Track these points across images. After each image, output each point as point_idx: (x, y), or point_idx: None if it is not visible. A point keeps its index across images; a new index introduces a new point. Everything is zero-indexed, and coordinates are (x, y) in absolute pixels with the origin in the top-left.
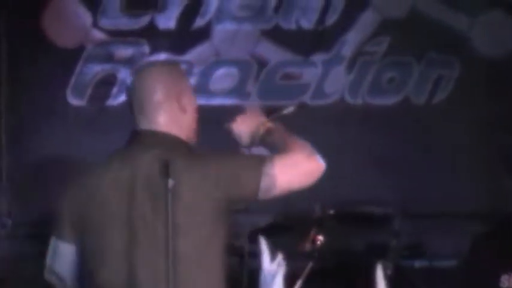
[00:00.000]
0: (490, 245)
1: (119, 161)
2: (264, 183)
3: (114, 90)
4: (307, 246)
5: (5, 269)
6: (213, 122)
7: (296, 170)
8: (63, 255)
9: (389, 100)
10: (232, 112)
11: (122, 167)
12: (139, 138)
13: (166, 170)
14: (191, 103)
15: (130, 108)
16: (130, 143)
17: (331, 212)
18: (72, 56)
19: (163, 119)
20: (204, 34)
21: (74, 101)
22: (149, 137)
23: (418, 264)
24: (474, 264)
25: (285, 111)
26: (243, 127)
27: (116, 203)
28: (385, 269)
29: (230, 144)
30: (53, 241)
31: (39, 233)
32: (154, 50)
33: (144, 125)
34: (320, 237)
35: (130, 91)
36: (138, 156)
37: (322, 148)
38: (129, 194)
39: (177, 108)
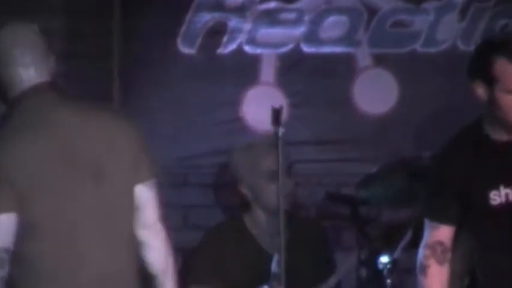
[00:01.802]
0: None
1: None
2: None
3: (225, 39)
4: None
5: None
6: (322, 70)
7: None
8: (6, 228)
9: None
10: (342, 60)
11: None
12: (34, 94)
13: (276, 118)
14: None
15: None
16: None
17: None
18: (182, 5)
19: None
20: None
21: (184, 49)
22: (42, 90)
23: None
24: None
25: None
26: None
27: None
28: None
29: (337, 92)
30: None
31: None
32: None
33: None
34: None
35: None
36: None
37: (432, 95)
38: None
39: (47, 63)
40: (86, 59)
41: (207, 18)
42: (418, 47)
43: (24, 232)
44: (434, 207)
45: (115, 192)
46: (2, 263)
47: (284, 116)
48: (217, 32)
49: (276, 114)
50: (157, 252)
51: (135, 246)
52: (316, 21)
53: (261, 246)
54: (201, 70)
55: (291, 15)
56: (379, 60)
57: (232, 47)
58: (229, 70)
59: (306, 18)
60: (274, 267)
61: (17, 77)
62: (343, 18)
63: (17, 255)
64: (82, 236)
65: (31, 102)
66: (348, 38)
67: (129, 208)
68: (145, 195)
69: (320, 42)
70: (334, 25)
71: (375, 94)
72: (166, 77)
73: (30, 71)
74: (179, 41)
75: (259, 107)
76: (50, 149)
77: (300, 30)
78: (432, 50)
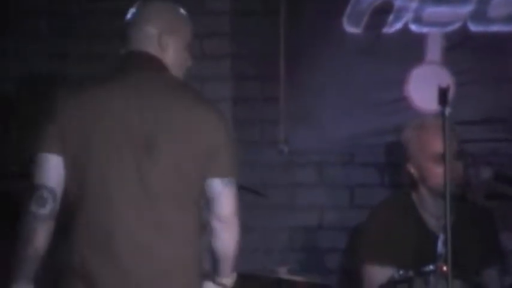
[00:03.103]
0: None
1: (113, 82)
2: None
3: (390, 18)
4: None
5: (283, 195)
6: (490, 49)
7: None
8: (53, 168)
9: None
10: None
11: (115, 88)
12: (131, 59)
13: (443, 97)
14: (176, 47)
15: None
16: (123, 64)
17: None
18: None
19: (148, 45)
20: None
21: (350, 29)
22: (139, 57)
23: None
24: None
25: None
26: None
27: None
28: None
29: (505, 70)
30: (39, 157)
31: (315, 160)
32: None
33: (135, 47)
34: None
35: (128, 19)
36: (130, 78)
37: None
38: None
39: (156, 42)
40: (253, 39)
41: None
42: None
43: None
44: None
45: (166, 173)
46: (43, 202)
47: (450, 95)
48: (383, 11)
49: (443, 93)
50: (224, 242)
51: (182, 232)
52: (485, 0)
53: (428, 226)
54: (366, 49)
55: None
56: None
57: (398, 26)
58: (395, 49)
59: None
60: (440, 247)
61: (131, 39)
62: None
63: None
64: (114, 206)
65: (124, 65)
66: None
67: (184, 193)
68: (218, 189)
69: (488, 20)
70: (502, 3)
71: None
72: (332, 57)
73: (142, 41)
74: (345, 20)
75: (425, 86)
76: (112, 113)
77: (467, 9)
78: None
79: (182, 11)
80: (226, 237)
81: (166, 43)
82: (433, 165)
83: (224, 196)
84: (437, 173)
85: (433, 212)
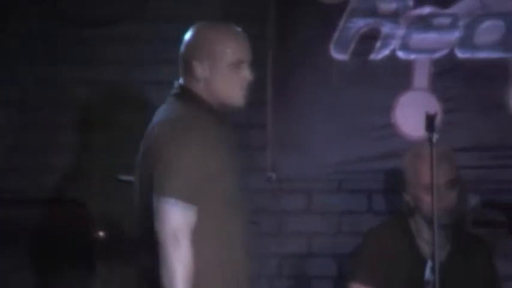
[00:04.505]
0: None
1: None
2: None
3: (378, 44)
4: None
5: (271, 222)
6: (477, 76)
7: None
8: None
9: None
10: (497, 66)
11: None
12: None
13: (430, 124)
14: (212, 74)
15: None
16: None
17: None
18: (336, 11)
19: (183, 75)
20: None
21: (337, 55)
22: (173, 90)
23: None
24: None
25: None
26: None
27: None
28: None
29: (492, 97)
30: None
31: (303, 187)
32: (419, 3)
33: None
34: None
35: None
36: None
37: None
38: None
39: (188, 71)
40: None
41: (360, 24)
42: None
43: None
44: None
45: (142, 192)
46: None
47: (438, 121)
48: (370, 38)
49: (430, 120)
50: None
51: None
52: (471, 26)
53: (421, 252)
54: (353, 76)
55: (446, 20)
56: None
57: (385, 52)
58: (382, 76)
59: (461, 23)
60: (427, 274)
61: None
62: (499, 23)
63: None
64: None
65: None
66: (504, 43)
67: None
68: (153, 205)
69: (475, 47)
70: (489, 30)
71: None
72: (319, 83)
73: (180, 71)
74: (332, 46)
75: (413, 112)
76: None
77: (454, 36)
78: None
79: (215, 30)
80: (161, 257)
81: (197, 70)
82: (425, 194)
83: (156, 214)
84: (428, 202)
85: (428, 240)
